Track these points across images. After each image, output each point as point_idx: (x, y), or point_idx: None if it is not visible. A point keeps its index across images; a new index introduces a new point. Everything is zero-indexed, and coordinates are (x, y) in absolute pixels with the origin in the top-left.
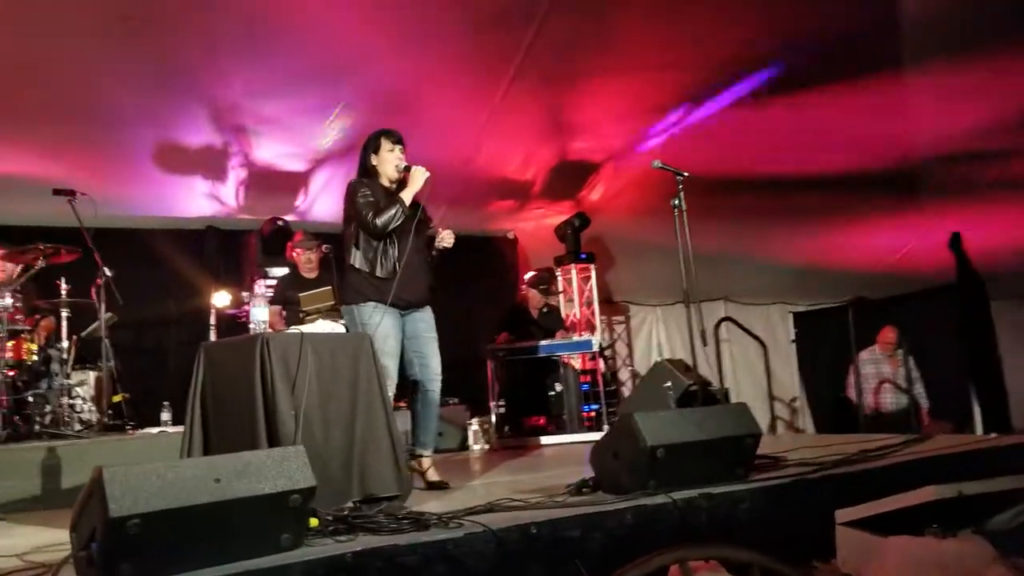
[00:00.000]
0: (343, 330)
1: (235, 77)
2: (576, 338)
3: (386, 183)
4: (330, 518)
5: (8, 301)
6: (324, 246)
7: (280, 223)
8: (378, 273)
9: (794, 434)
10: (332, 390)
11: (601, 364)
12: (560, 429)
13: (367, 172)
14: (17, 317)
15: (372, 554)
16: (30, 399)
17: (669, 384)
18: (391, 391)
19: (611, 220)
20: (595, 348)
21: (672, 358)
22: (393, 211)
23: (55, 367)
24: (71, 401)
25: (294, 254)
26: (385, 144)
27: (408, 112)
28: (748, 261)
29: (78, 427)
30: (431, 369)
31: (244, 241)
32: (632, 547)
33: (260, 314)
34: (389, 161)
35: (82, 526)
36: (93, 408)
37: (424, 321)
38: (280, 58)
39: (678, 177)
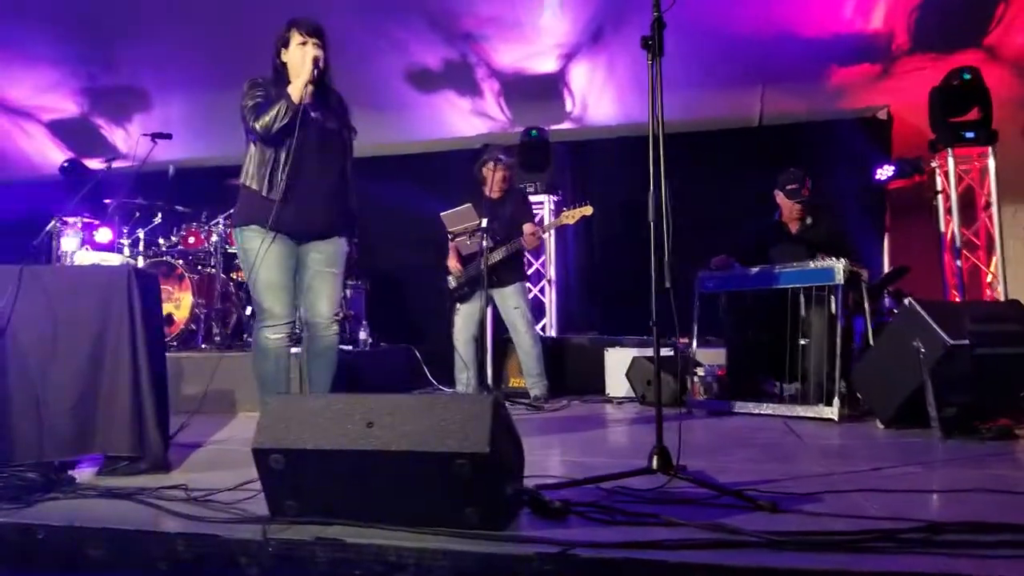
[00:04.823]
0: (116, 261)
1: None
2: (816, 264)
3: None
4: None
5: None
6: (500, 159)
7: (534, 133)
8: (264, 192)
9: None
10: (64, 330)
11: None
12: (787, 397)
13: (276, 72)
14: None
15: None
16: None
17: (919, 343)
18: (277, 332)
19: None
20: (839, 279)
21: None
22: (276, 109)
23: None
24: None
25: (484, 170)
26: (295, 36)
27: None
28: None
29: None
30: (317, 310)
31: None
32: None
33: (67, 244)
34: (299, 58)
35: None
36: None
37: (322, 252)
38: None
39: None
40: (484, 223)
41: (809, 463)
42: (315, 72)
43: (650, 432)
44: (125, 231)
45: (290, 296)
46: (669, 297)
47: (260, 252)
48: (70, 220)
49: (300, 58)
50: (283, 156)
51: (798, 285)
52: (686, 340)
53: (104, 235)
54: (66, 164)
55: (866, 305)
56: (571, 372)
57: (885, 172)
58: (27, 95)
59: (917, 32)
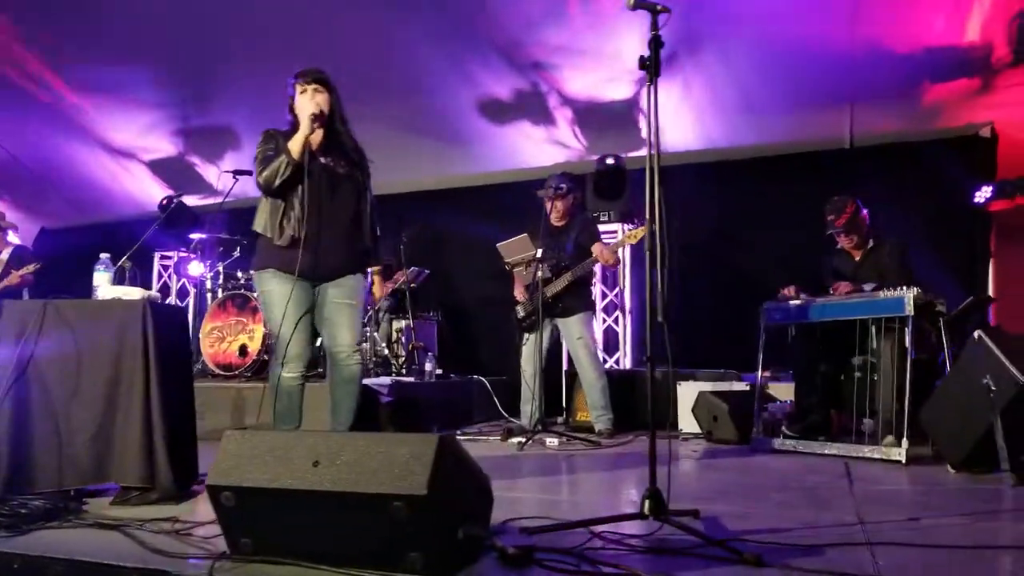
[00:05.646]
0: (137, 295)
1: (502, 11)
2: (885, 294)
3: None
4: None
5: None
6: (559, 187)
7: (610, 161)
8: (277, 240)
9: None
10: (86, 361)
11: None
12: (856, 435)
13: (291, 124)
14: None
15: None
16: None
17: (988, 380)
18: (291, 371)
19: None
20: (909, 310)
21: None
22: (276, 164)
23: (378, 316)
24: (378, 347)
25: (544, 200)
26: (298, 87)
27: None
28: None
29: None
30: (338, 340)
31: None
32: None
33: (96, 279)
34: (303, 108)
35: None
36: (386, 352)
37: (339, 287)
38: None
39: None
40: (539, 253)
41: (842, 511)
42: (314, 125)
43: (703, 471)
44: (208, 264)
45: (305, 337)
46: (663, 331)
47: (276, 293)
48: (169, 254)
49: (302, 111)
50: (291, 204)
51: (867, 316)
52: (767, 374)
53: (196, 268)
54: (165, 202)
55: (944, 339)
56: (643, 406)
57: (983, 194)
58: (131, 137)
59: (1020, 43)
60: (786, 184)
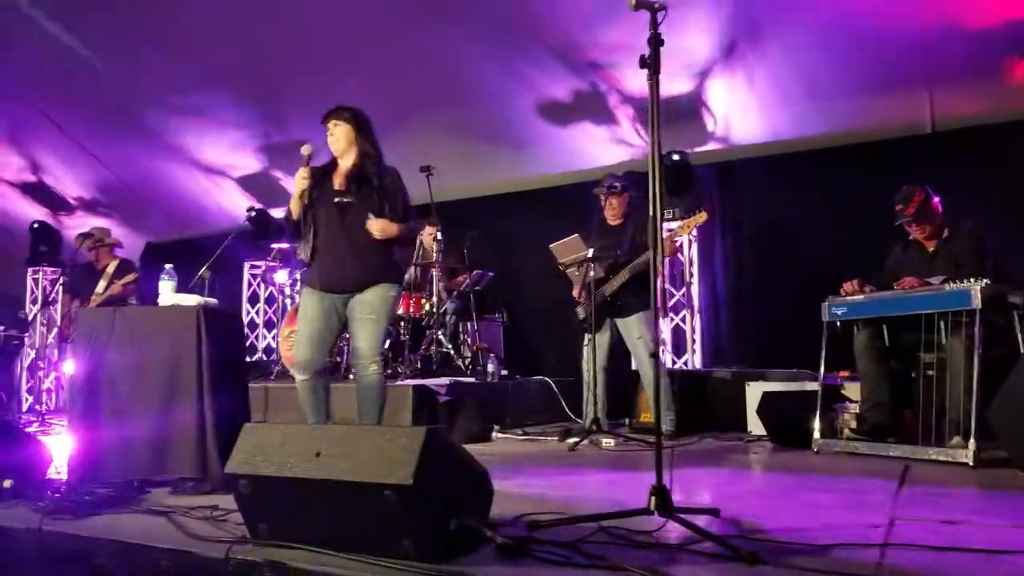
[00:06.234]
0: (193, 302)
1: (557, 14)
2: (952, 287)
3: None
4: None
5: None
6: (614, 186)
7: (676, 157)
8: (306, 261)
9: None
10: (148, 363)
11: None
12: (923, 436)
13: (332, 159)
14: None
15: None
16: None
17: None
18: (301, 375)
19: None
20: (976, 303)
21: None
22: (284, 216)
23: (444, 319)
24: (443, 349)
25: (601, 199)
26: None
27: None
28: None
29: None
30: (357, 353)
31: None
32: None
33: (161, 287)
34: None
35: None
36: (452, 352)
37: (363, 303)
38: None
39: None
40: (590, 253)
41: (875, 512)
42: (305, 192)
43: (751, 473)
44: (289, 272)
45: (319, 344)
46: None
47: (303, 307)
48: (258, 264)
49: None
50: (307, 234)
51: (933, 311)
52: (846, 374)
53: (281, 276)
54: (252, 214)
55: (1019, 334)
56: (712, 407)
57: None
58: (220, 155)
59: None
60: (863, 174)
